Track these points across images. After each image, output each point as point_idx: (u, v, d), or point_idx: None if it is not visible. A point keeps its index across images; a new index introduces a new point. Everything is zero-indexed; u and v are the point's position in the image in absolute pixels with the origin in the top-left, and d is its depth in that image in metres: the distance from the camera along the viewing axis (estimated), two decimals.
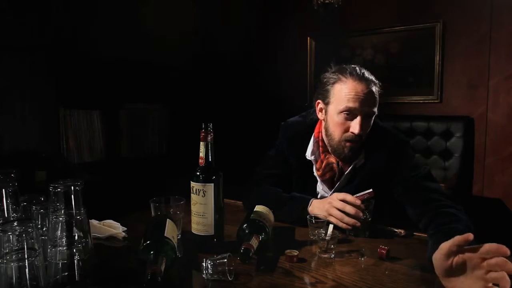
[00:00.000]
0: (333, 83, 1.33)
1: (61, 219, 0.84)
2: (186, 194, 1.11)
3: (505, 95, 2.81)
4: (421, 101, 3.16)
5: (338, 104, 1.30)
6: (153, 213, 1.13)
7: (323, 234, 1.02)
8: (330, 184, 1.40)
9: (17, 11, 2.54)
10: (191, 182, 1.08)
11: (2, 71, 2.49)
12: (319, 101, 1.40)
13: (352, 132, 1.29)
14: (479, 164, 2.92)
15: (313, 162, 1.42)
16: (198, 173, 1.07)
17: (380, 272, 0.93)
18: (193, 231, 1.09)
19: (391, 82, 3.19)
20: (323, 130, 1.41)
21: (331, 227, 1.06)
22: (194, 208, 1.08)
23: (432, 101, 3.11)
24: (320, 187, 1.43)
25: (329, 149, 1.38)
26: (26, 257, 0.73)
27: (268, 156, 1.56)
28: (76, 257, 0.85)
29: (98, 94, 3.02)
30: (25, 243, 0.73)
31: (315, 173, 1.42)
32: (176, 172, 1.90)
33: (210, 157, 1.08)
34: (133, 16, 3.13)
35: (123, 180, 2.88)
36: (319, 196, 1.42)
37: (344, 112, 1.28)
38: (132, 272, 0.93)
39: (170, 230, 0.96)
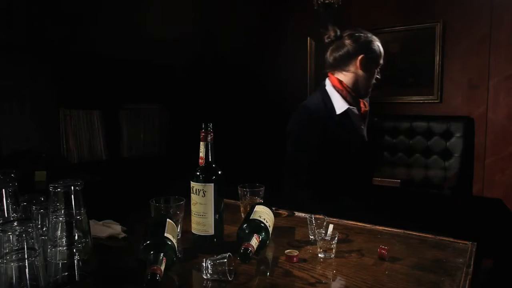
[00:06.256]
0: None
1: (61, 219, 0.84)
2: (186, 194, 1.11)
3: (505, 95, 2.81)
4: (421, 101, 3.16)
5: None
6: (153, 213, 1.13)
7: (323, 234, 1.02)
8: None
9: (17, 11, 2.54)
10: (191, 182, 1.08)
11: (2, 71, 2.49)
12: None
13: None
14: (479, 164, 2.92)
15: (352, 108, 1.61)
16: (198, 173, 1.07)
17: (380, 272, 0.93)
18: (193, 231, 1.09)
19: (391, 82, 3.19)
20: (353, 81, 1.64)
21: (331, 227, 1.06)
22: (194, 208, 1.08)
23: (432, 101, 3.11)
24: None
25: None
26: (26, 257, 0.73)
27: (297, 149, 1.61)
28: (76, 257, 0.85)
29: (98, 94, 3.02)
30: (25, 243, 0.73)
31: (358, 111, 1.63)
32: (176, 172, 1.90)
33: (210, 157, 1.08)
34: (133, 16, 3.13)
35: (123, 180, 2.88)
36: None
37: None
38: (132, 272, 0.93)
39: (170, 230, 0.96)
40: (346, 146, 1.59)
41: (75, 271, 0.85)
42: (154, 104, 3.47)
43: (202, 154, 1.07)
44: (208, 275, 0.87)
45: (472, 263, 0.96)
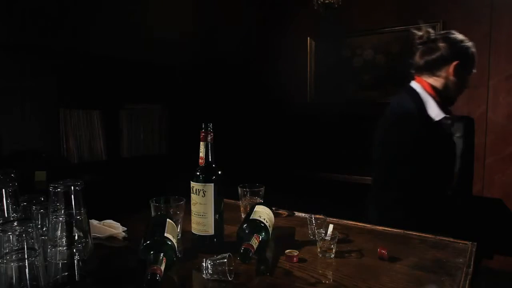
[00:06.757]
0: None
1: (61, 219, 0.84)
2: (186, 194, 1.11)
3: (505, 95, 2.81)
4: None
5: None
6: (153, 213, 1.13)
7: (323, 234, 1.02)
8: None
9: (17, 11, 2.54)
10: (191, 182, 1.08)
11: (2, 71, 2.49)
12: None
13: None
14: (479, 164, 2.91)
15: (446, 116, 1.50)
16: (198, 173, 1.07)
17: (380, 272, 0.93)
18: (193, 231, 1.09)
19: (391, 82, 3.19)
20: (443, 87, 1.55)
21: (331, 227, 1.06)
22: (194, 208, 1.08)
23: None
24: None
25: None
26: (26, 257, 0.73)
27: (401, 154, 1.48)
28: (76, 257, 0.85)
29: (98, 94, 3.02)
30: (25, 243, 0.73)
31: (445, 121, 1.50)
32: (176, 172, 1.90)
33: (210, 157, 1.08)
34: (133, 16, 3.13)
35: (123, 180, 2.88)
36: None
37: None
38: (132, 272, 0.93)
39: (170, 230, 0.96)
40: (441, 156, 1.49)
41: (75, 271, 0.85)
42: (154, 104, 3.47)
43: (202, 154, 1.07)
44: (208, 275, 0.87)
45: (472, 263, 0.96)
